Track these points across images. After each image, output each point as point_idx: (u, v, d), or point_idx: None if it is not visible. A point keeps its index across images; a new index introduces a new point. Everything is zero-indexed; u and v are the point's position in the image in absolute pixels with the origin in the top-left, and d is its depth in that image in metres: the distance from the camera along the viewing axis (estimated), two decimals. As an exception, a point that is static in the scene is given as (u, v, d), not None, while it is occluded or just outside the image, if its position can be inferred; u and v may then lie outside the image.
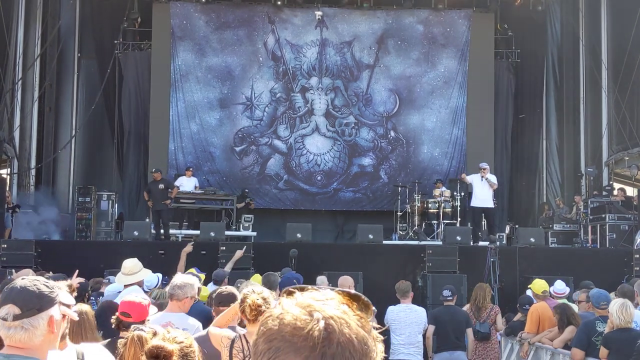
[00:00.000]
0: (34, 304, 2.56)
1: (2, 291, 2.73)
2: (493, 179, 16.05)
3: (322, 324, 1.22)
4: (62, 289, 3.67)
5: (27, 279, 2.68)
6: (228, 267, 11.07)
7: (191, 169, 18.35)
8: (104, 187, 18.62)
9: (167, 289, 5.65)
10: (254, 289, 4.56)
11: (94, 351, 3.14)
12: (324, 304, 1.26)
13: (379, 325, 1.33)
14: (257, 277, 8.78)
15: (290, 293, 1.32)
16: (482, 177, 15.74)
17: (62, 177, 19.93)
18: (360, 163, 20.31)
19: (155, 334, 3.34)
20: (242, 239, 16.74)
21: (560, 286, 9.25)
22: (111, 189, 18.78)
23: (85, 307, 4.65)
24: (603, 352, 6.50)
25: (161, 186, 16.06)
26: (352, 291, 1.33)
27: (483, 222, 16.53)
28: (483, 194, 15.74)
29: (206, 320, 5.43)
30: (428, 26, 20.63)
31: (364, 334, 1.25)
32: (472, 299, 10.20)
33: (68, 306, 2.71)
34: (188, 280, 5.47)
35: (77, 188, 18.41)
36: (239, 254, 11.44)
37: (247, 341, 4.41)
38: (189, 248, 11.00)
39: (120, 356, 3.42)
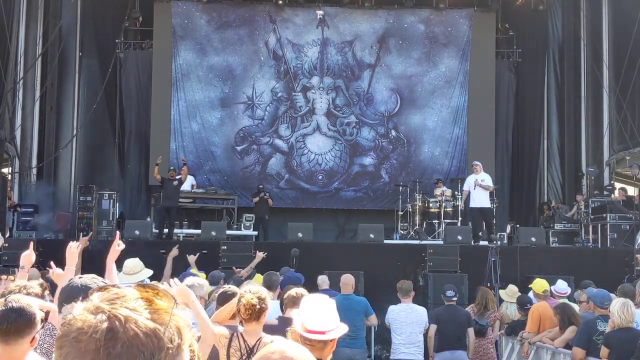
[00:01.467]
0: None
1: (62, 290, 2.77)
2: (488, 180, 16.01)
3: (105, 324, 1.18)
4: (33, 287, 3.71)
5: (85, 277, 2.73)
6: (246, 271, 10.95)
7: (186, 165, 18.30)
8: (105, 186, 18.61)
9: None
10: (250, 288, 4.58)
11: None
12: (113, 303, 1.22)
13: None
14: (259, 278, 8.78)
15: (87, 296, 1.27)
16: (475, 174, 15.71)
17: (63, 177, 19.94)
18: (361, 162, 20.31)
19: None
20: (243, 238, 16.77)
21: (562, 286, 9.25)
22: (112, 188, 18.76)
23: None
24: (604, 351, 6.50)
25: (175, 183, 16.09)
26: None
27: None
28: (478, 194, 15.74)
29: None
30: (429, 26, 20.63)
31: (154, 326, 1.20)
32: (479, 303, 10.20)
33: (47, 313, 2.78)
34: (196, 281, 5.51)
35: (78, 187, 18.40)
36: (259, 255, 11.28)
37: (244, 340, 4.43)
38: (175, 252, 10.90)
39: None
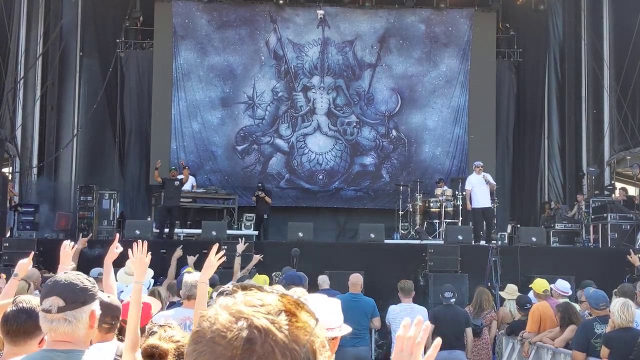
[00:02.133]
0: (78, 297, 2.59)
1: (46, 284, 2.76)
2: (490, 178, 16.01)
3: (245, 333, 1.18)
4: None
5: (70, 273, 2.70)
6: (242, 273, 10.93)
7: (187, 167, 18.31)
8: (105, 185, 18.62)
9: (182, 290, 5.76)
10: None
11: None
12: (256, 310, 1.21)
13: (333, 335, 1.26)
14: (259, 278, 8.76)
15: (231, 293, 1.26)
16: (478, 174, 15.68)
17: (63, 176, 19.94)
18: (362, 162, 20.31)
19: (171, 326, 3.37)
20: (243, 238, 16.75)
21: (563, 285, 9.24)
22: (113, 187, 18.77)
23: None
24: (604, 351, 6.50)
25: (177, 183, 16.10)
26: (298, 298, 1.27)
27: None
28: (482, 194, 15.71)
29: None
30: (430, 25, 20.62)
31: (293, 346, 1.19)
32: (474, 303, 10.22)
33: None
34: (198, 277, 5.55)
35: (78, 187, 18.40)
36: (256, 258, 11.28)
37: None
38: (178, 253, 10.91)
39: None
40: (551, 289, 9.16)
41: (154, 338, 3.22)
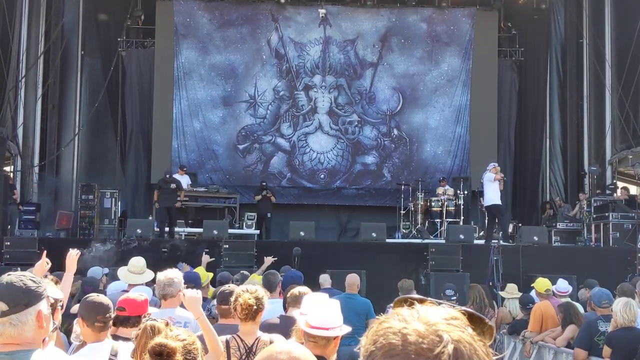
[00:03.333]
0: (20, 299, 2.55)
1: None
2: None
3: (450, 347, 1.13)
4: (49, 284, 3.70)
5: (13, 275, 2.67)
6: (257, 273, 10.83)
7: (185, 167, 18.32)
8: (107, 184, 18.62)
9: (157, 290, 5.66)
10: (248, 287, 4.59)
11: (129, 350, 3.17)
12: (449, 324, 1.17)
13: (498, 354, 1.25)
14: (254, 276, 8.73)
15: (408, 303, 1.23)
16: (495, 175, 15.72)
17: (65, 175, 19.94)
18: (364, 161, 20.30)
19: (167, 324, 3.37)
20: (244, 237, 16.77)
21: (563, 285, 9.24)
22: (114, 186, 18.78)
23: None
24: (606, 350, 6.49)
25: (173, 186, 16.13)
26: (476, 313, 1.24)
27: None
28: (496, 191, 15.76)
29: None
30: (432, 24, 20.61)
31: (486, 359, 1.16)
32: (473, 299, 10.22)
33: (56, 300, 2.71)
34: (172, 274, 5.50)
35: (80, 185, 18.41)
36: (268, 260, 11.13)
37: (241, 340, 4.43)
38: (206, 258, 10.69)
39: (134, 348, 3.45)
40: (553, 291, 9.14)
41: (160, 336, 3.22)
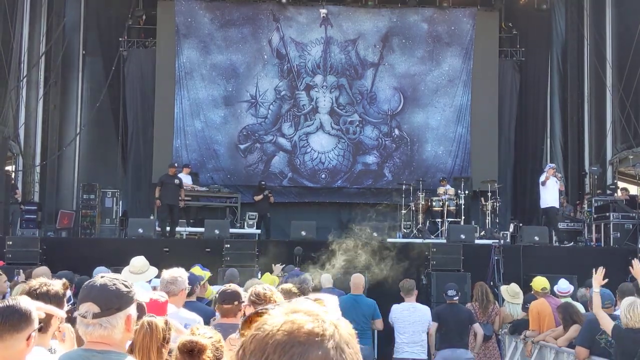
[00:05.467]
0: (113, 303, 2.62)
1: (82, 288, 2.79)
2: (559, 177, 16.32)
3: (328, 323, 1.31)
4: (54, 285, 3.72)
5: (106, 277, 2.72)
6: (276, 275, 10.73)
7: (189, 166, 18.35)
8: (108, 184, 18.64)
9: (159, 287, 5.68)
10: (257, 290, 4.62)
11: None
12: (324, 310, 1.34)
13: None
14: (267, 277, 8.74)
15: (261, 314, 1.35)
16: (554, 176, 15.79)
17: (66, 175, 19.97)
18: (365, 161, 20.32)
19: (166, 322, 3.39)
20: (246, 236, 16.78)
21: (563, 285, 9.26)
22: (115, 186, 18.80)
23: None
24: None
25: (177, 181, 16.15)
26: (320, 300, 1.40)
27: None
28: (555, 194, 15.86)
29: (206, 319, 5.49)
30: (433, 24, 20.62)
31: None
32: (476, 297, 10.23)
33: (142, 305, 2.78)
34: (176, 273, 5.51)
35: (81, 185, 18.43)
36: (277, 269, 11.00)
37: None
38: (278, 268, 10.45)
39: (132, 343, 3.47)
40: (554, 290, 9.16)
41: (187, 334, 3.27)
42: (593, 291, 7.01)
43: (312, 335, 1.28)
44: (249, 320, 1.38)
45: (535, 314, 8.84)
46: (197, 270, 8.06)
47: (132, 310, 2.64)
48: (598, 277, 6.98)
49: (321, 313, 1.33)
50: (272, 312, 1.34)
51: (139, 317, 3.96)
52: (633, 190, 19.23)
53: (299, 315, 1.31)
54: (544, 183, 15.97)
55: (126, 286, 2.67)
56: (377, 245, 12.00)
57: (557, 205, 16.04)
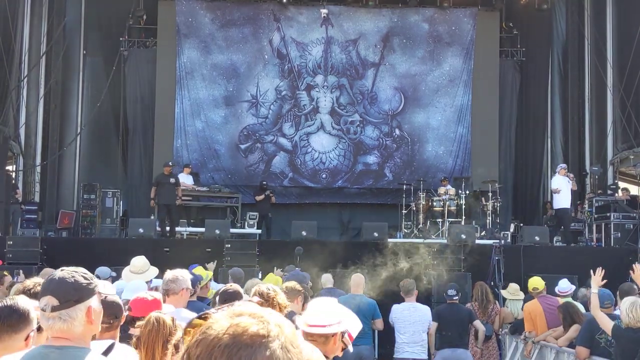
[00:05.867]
0: (71, 295, 2.61)
1: (42, 282, 2.78)
2: (572, 177, 16.26)
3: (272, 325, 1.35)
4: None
5: (65, 270, 2.72)
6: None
7: (190, 166, 18.35)
8: (109, 184, 18.64)
9: (161, 286, 5.69)
10: (261, 289, 4.63)
11: (122, 348, 3.20)
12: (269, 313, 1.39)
13: None
14: (271, 277, 8.73)
15: (204, 318, 1.39)
16: (563, 176, 15.78)
17: (67, 175, 19.97)
18: (365, 161, 20.32)
19: (173, 320, 3.39)
20: (246, 236, 16.78)
21: (563, 285, 9.26)
22: (116, 186, 18.80)
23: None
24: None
25: (172, 180, 16.17)
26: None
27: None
28: (567, 195, 15.85)
29: None
30: (433, 24, 20.62)
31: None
32: (476, 296, 10.24)
33: (118, 303, 2.79)
34: (179, 273, 5.53)
35: (82, 185, 18.44)
36: (278, 273, 10.93)
37: None
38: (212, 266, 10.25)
39: (137, 337, 3.46)
40: (555, 290, 9.16)
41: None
42: (591, 292, 7.02)
43: (258, 337, 1.31)
44: (191, 325, 1.42)
45: (528, 315, 8.91)
46: (199, 270, 8.07)
47: (93, 302, 2.63)
48: (597, 278, 7.01)
49: (265, 315, 1.37)
50: (215, 316, 1.37)
51: (116, 316, 3.96)
52: (634, 190, 19.22)
53: (244, 318, 1.34)
54: (556, 191, 15.96)
55: (86, 278, 2.65)
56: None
57: (568, 205, 16.00)
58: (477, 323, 9.48)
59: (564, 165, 16.56)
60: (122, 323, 4.55)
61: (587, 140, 20.65)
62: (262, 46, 20.33)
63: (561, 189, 15.83)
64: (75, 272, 2.70)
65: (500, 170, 20.29)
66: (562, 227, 16.61)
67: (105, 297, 4.34)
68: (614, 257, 14.38)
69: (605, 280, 7.09)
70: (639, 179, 18.20)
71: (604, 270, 7.03)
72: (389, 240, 15.48)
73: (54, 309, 2.58)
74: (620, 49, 19.04)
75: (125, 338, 4.19)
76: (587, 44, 20.56)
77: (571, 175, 16.19)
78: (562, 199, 15.90)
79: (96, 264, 9.92)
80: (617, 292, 7.84)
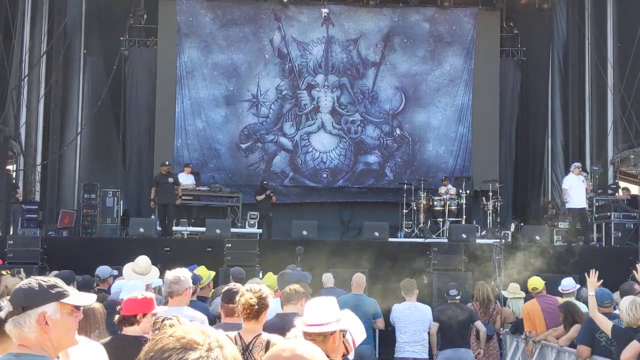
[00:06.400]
0: (20, 301, 2.60)
1: None
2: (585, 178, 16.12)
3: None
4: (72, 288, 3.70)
5: (32, 277, 2.72)
6: None
7: (190, 165, 18.34)
8: (109, 183, 18.64)
9: (164, 288, 5.68)
10: (252, 287, 4.63)
11: (83, 347, 3.15)
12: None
13: None
14: (270, 276, 8.73)
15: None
16: (577, 175, 15.68)
17: (67, 174, 19.97)
18: (366, 161, 20.32)
19: (178, 319, 3.38)
20: (247, 236, 16.78)
21: (566, 283, 9.25)
22: (117, 185, 18.80)
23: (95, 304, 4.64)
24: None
25: (171, 180, 16.17)
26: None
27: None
28: (581, 194, 15.72)
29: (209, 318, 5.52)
30: (434, 24, 20.62)
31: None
32: (477, 296, 10.23)
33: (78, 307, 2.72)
34: (180, 273, 5.53)
35: (82, 185, 18.43)
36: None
37: (241, 337, 4.45)
38: None
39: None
40: (558, 289, 9.14)
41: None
42: (588, 294, 7.05)
43: (195, 343, 1.57)
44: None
45: (526, 315, 8.92)
46: (201, 269, 8.07)
47: (47, 309, 2.60)
48: (592, 280, 7.04)
49: (212, 333, 1.62)
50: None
51: (110, 313, 3.94)
52: (634, 190, 19.23)
53: (190, 334, 1.60)
54: (564, 192, 15.87)
55: (42, 285, 2.63)
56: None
57: (580, 205, 15.81)
58: (479, 324, 9.49)
59: (578, 164, 16.35)
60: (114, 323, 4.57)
61: (588, 140, 20.65)
62: (262, 45, 20.32)
63: (573, 187, 15.72)
64: (37, 279, 2.68)
65: (501, 169, 20.29)
66: (578, 226, 16.37)
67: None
68: (614, 256, 14.40)
69: (601, 281, 7.10)
70: (639, 178, 18.19)
71: (597, 272, 7.06)
72: (390, 239, 15.51)
73: (8, 315, 2.58)
74: (620, 49, 19.04)
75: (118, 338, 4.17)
76: (588, 44, 20.55)
77: (585, 174, 16.10)
78: (577, 199, 15.76)
79: (97, 263, 9.92)
80: (618, 292, 7.84)
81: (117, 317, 4.52)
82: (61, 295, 2.63)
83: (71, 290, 2.72)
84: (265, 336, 4.44)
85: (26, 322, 2.58)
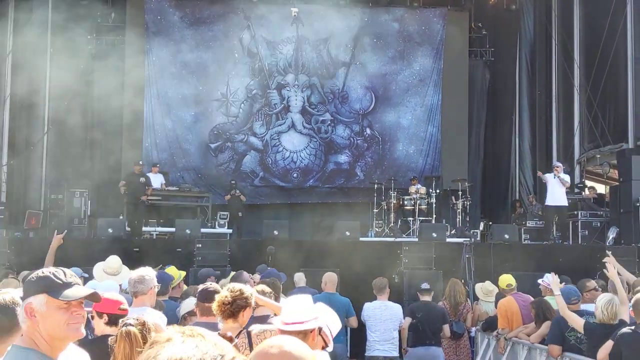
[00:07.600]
0: (23, 292, 2.79)
1: None
2: (567, 178, 16.10)
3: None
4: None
5: (48, 269, 2.80)
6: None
7: (158, 165, 18.19)
8: (76, 183, 18.38)
9: (128, 287, 5.61)
10: (233, 286, 4.60)
11: (70, 351, 3.11)
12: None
13: None
14: (172, 270, 8.47)
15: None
16: (555, 175, 15.76)
17: (34, 174, 19.64)
18: (336, 160, 20.34)
19: (143, 324, 3.32)
20: (217, 236, 16.68)
21: (550, 278, 9.31)
22: (84, 185, 18.54)
23: None
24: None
25: (142, 180, 16.01)
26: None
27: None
28: (558, 192, 15.78)
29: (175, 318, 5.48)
30: (403, 24, 20.71)
31: None
32: (447, 295, 10.29)
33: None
34: (144, 272, 5.46)
35: (48, 185, 18.16)
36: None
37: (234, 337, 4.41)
38: (57, 242, 7.73)
39: (114, 355, 3.37)
40: (539, 283, 9.16)
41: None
42: (555, 295, 7.15)
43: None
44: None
45: (504, 312, 8.91)
46: (172, 270, 7.99)
47: (34, 300, 2.64)
48: (554, 280, 7.19)
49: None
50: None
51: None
52: (600, 189, 19.50)
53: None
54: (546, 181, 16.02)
55: (39, 277, 2.69)
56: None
57: (554, 203, 15.75)
58: (446, 327, 9.53)
59: (558, 163, 16.49)
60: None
61: (555, 140, 20.87)
62: (232, 45, 20.23)
63: (554, 185, 15.82)
64: (50, 270, 2.72)
65: (470, 169, 20.45)
66: (557, 225, 16.48)
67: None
68: (583, 254, 14.57)
69: (564, 283, 7.27)
70: (606, 177, 18.46)
71: (555, 275, 7.29)
72: (361, 239, 15.53)
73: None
74: (587, 49, 19.28)
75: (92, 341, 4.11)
76: (555, 44, 20.79)
77: (561, 174, 16.18)
78: (557, 197, 15.87)
79: (64, 265, 9.73)
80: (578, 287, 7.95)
81: (105, 317, 4.40)
82: (49, 288, 2.61)
83: (76, 286, 2.70)
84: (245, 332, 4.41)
85: (20, 312, 2.66)
